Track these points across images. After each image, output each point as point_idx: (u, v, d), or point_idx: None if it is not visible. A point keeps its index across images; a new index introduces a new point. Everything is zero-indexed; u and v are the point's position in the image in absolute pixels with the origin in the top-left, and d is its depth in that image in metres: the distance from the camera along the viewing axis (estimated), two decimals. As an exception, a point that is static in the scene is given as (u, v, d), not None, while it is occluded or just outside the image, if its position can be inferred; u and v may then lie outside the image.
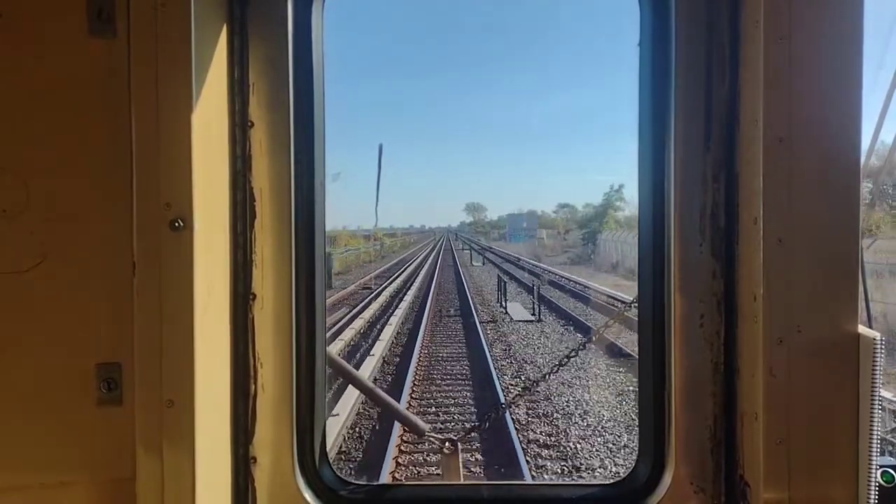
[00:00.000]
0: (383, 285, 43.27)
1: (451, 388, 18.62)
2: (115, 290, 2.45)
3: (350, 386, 19.07)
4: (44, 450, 2.51)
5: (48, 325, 2.48)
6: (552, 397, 17.33)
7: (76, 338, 2.48)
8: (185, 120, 2.39)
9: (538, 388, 17.14)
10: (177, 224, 2.39)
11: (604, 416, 16.08)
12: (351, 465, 14.18)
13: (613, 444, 14.22)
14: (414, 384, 18.93)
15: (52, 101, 2.45)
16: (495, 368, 20.27)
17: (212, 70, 2.54)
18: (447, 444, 3.65)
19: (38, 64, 2.44)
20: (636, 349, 2.89)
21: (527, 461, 13.05)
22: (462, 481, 3.83)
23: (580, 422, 15.68)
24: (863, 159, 2.43)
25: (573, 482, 11.17)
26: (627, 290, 36.79)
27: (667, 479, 2.76)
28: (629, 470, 3.00)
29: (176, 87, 2.39)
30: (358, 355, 22.32)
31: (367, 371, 19.71)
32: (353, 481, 3.01)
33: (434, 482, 11.06)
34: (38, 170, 2.46)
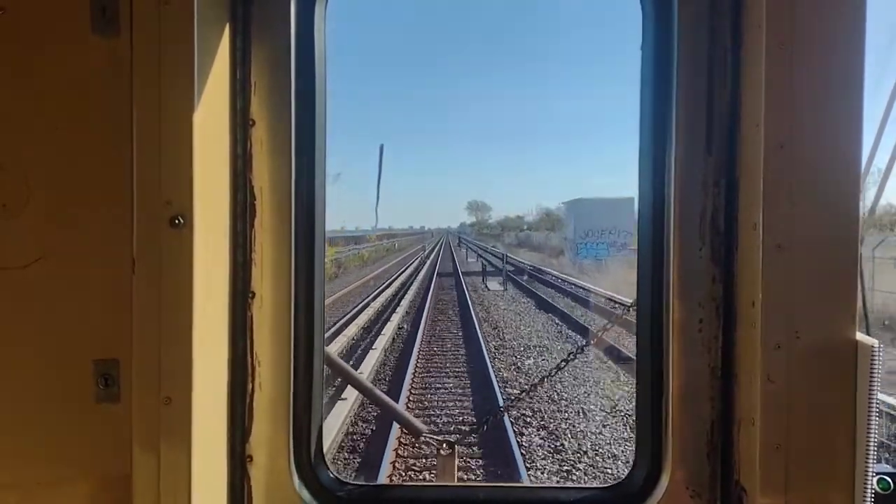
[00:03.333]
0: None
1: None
2: (114, 286, 2.45)
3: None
4: (40, 446, 2.51)
5: (47, 320, 2.48)
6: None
7: (74, 333, 2.48)
8: (186, 118, 2.40)
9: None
10: (177, 221, 2.40)
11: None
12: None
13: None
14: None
15: (53, 98, 2.46)
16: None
17: (214, 68, 2.55)
18: (444, 445, 3.65)
19: (41, 60, 2.45)
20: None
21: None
22: (458, 483, 3.82)
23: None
24: (863, 166, 2.43)
25: (569, 485, 11.16)
26: None
27: (663, 483, 2.76)
28: (626, 473, 2.99)
29: (178, 85, 2.40)
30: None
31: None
32: (349, 481, 3.01)
33: (431, 483, 11.06)
34: (39, 166, 2.46)
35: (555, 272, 56.56)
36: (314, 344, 2.88)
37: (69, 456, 2.51)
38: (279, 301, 2.78)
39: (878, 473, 2.51)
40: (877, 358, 2.33)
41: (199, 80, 2.43)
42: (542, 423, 15.71)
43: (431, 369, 20.89)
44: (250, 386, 2.78)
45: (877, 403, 2.34)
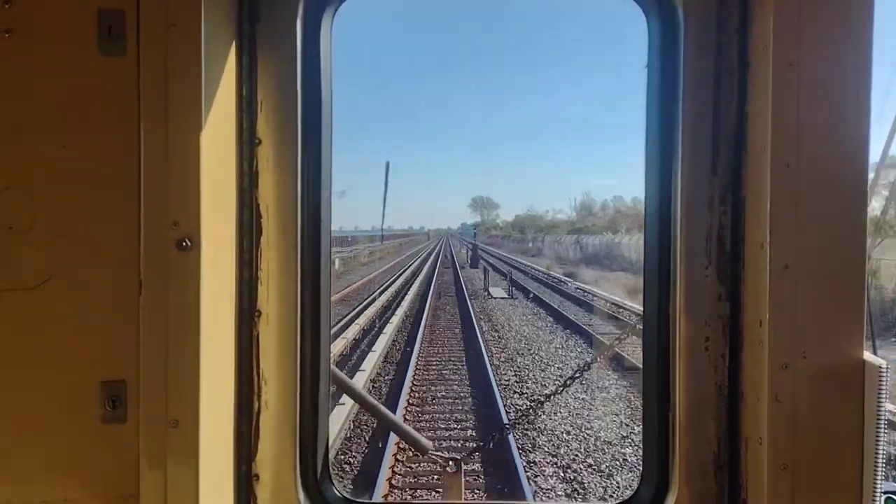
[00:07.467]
0: None
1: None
2: (120, 307, 2.46)
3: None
4: (48, 466, 2.50)
5: (54, 341, 2.48)
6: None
7: (81, 355, 2.48)
8: (193, 138, 2.41)
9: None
10: (184, 243, 2.40)
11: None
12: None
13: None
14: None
15: (60, 119, 2.46)
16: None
17: (221, 88, 2.56)
18: (450, 463, 3.64)
19: (48, 81, 2.46)
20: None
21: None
22: (463, 501, 3.81)
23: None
24: (870, 185, 2.44)
25: (576, 503, 11.08)
26: None
27: (670, 501, 2.75)
28: (633, 491, 2.98)
29: (185, 105, 2.41)
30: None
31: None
32: (355, 499, 3.00)
33: (436, 501, 11.00)
34: (47, 187, 2.47)
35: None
36: (320, 361, 2.88)
37: (76, 476, 2.51)
38: (285, 319, 2.78)
39: (885, 492, 2.49)
40: (884, 378, 2.32)
41: (206, 100, 2.44)
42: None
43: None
44: (256, 404, 2.77)
45: (885, 423, 2.33)
